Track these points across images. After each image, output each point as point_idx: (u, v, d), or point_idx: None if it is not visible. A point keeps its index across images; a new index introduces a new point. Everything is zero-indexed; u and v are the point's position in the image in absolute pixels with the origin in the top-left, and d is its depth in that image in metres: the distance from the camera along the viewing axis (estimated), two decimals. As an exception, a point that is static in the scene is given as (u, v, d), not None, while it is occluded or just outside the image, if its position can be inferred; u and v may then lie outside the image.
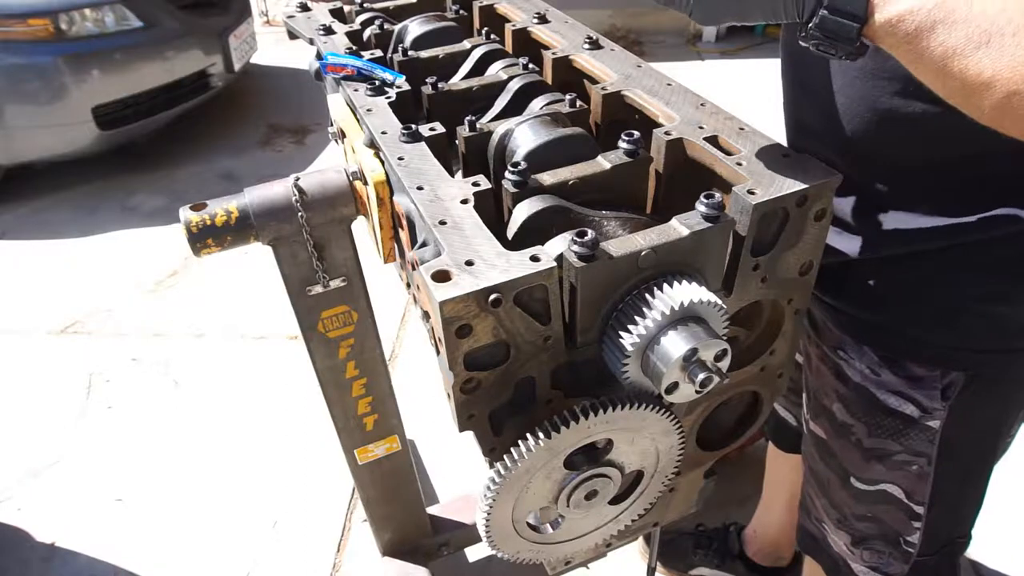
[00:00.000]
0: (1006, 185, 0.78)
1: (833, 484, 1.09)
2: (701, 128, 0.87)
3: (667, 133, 0.87)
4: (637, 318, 0.70)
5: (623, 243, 0.70)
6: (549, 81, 1.10)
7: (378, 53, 1.17)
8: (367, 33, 1.29)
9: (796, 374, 1.33)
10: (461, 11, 1.36)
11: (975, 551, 1.82)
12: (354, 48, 1.18)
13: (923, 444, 0.95)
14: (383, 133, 0.94)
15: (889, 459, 0.99)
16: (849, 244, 0.91)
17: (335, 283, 1.07)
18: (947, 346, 0.88)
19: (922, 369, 0.90)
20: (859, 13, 0.59)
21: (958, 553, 1.11)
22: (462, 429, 0.77)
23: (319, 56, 1.19)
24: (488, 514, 0.79)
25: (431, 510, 1.68)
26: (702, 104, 0.93)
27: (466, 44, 1.17)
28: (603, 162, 0.84)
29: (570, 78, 1.11)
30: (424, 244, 0.79)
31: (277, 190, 0.97)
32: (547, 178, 0.82)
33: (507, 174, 0.81)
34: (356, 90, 1.06)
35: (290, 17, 1.39)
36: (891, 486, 1.01)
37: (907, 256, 0.86)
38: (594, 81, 1.04)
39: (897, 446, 0.97)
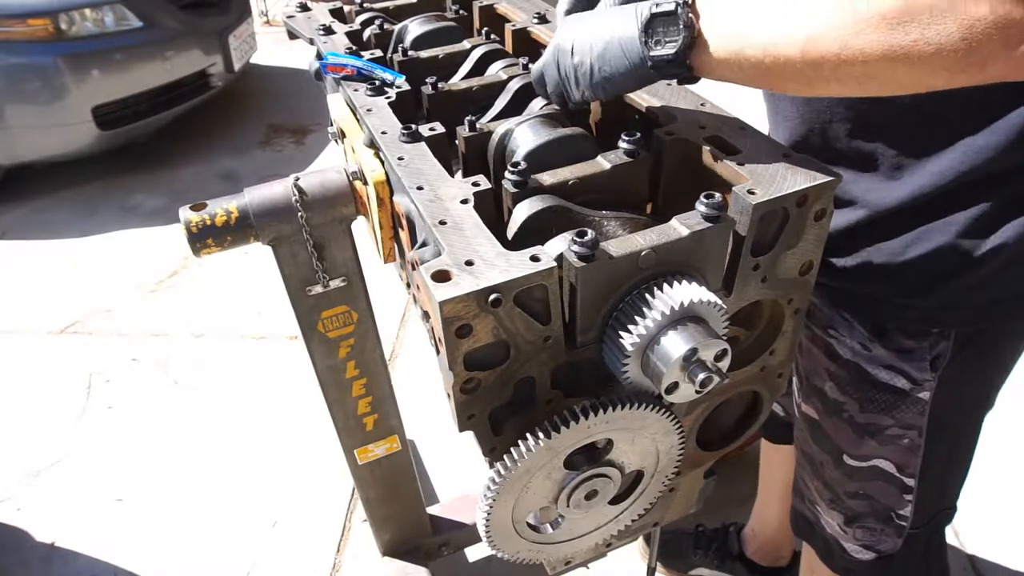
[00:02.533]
0: (961, 129, 0.82)
1: (826, 464, 1.11)
2: (701, 128, 0.87)
3: (667, 133, 0.87)
4: (637, 318, 0.70)
5: (623, 243, 0.70)
6: (549, 81, 1.10)
7: (378, 53, 1.17)
8: (367, 33, 1.29)
9: None
10: (461, 11, 1.36)
11: (971, 546, 1.83)
12: (354, 48, 1.18)
13: (914, 416, 0.98)
14: (383, 133, 0.94)
15: (881, 434, 1.01)
16: (849, 213, 0.94)
17: (335, 283, 1.07)
18: (934, 307, 0.91)
19: (912, 341, 0.93)
20: (684, 74, 0.75)
21: (944, 524, 1.14)
22: (462, 429, 0.77)
23: (319, 56, 1.19)
24: (488, 514, 0.79)
25: (431, 510, 1.68)
26: (702, 104, 0.93)
27: (466, 44, 1.17)
28: (603, 162, 0.84)
29: (570, 78, 1.11)
30: (424, 244, 0.79)
31: (277, 190, 0.97)
32: (547, 178, 0.82)
33: (507, 174, 0.81)
34: (356, 90, 1.06)
35: (290, 17, 1.39)
36: (883, 461, 1.04)
37: (886, 221, 0.89)
38: (594, 81, 1.04)
39: (889, 420, 1.00)
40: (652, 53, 0.73)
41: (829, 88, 0.67)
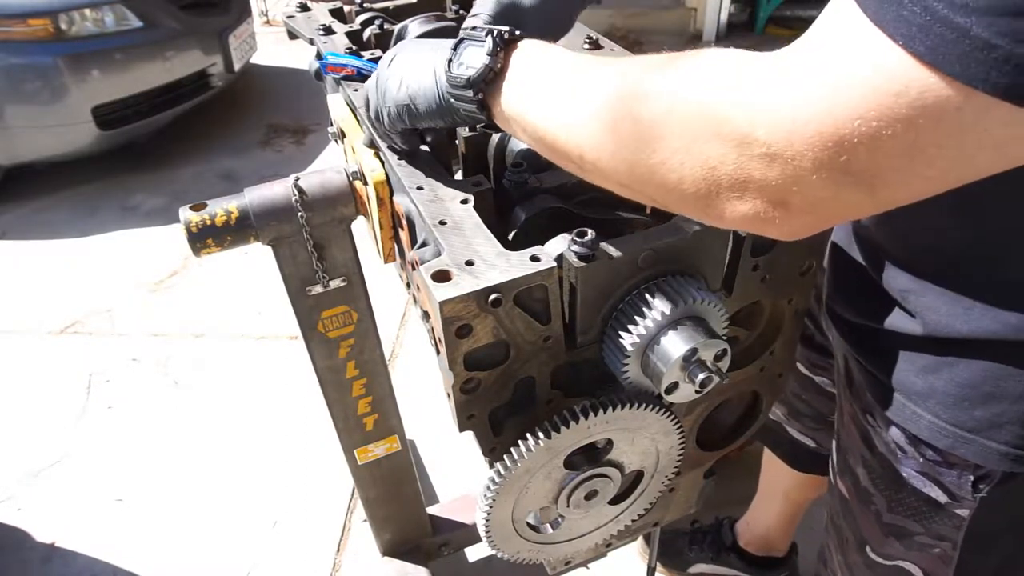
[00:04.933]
0: None
1: (850, 546, 1.01)
2: (701, 128, 0.87)
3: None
4: (637, 318, 0.70)
5: (623, 243, 0.70)
6: (549, 81, 1.10)
7: (378, 53, 1.17)
8: (367, 33, 1.29)
9: (811, 397, 1.29)
10: (461, 11, 1.36)
11: None
12: (354, 48, 1.18)
13: (948, 530, 0.85)
14: (383, 133, 0.94)
15: (909, 539, 0.90)
16: (908, 323, 0.81)
17: (335, 283, 1.07)
18: (991, 446, 0.76)
19: (954, 455, 0.79)
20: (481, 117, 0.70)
21: None
22: (462, 429, 0.77)
23: (319, 56, 1.19)
24: (488, 514, 0.79)
25: (431, 510, 1.68)
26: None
27: (466, 44, 1.17)
28: (603, 162, 0.84)
29: (570, 78, 1.11)
30: (424, 244, 0.79)
31: (277, 190, 0.97)
32: (547, 178, 0.82)
33: (507, 174, 0.81)
34: (356, 90, 1.06)
35: (290, 17, 1.39)
36: (909, 564, 0.92)
37: (941, 343, 0.77)
38: (594, 81, 1.04)
39: (918, 527, 0.88)
40: (451, 72, 0.67)
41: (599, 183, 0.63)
